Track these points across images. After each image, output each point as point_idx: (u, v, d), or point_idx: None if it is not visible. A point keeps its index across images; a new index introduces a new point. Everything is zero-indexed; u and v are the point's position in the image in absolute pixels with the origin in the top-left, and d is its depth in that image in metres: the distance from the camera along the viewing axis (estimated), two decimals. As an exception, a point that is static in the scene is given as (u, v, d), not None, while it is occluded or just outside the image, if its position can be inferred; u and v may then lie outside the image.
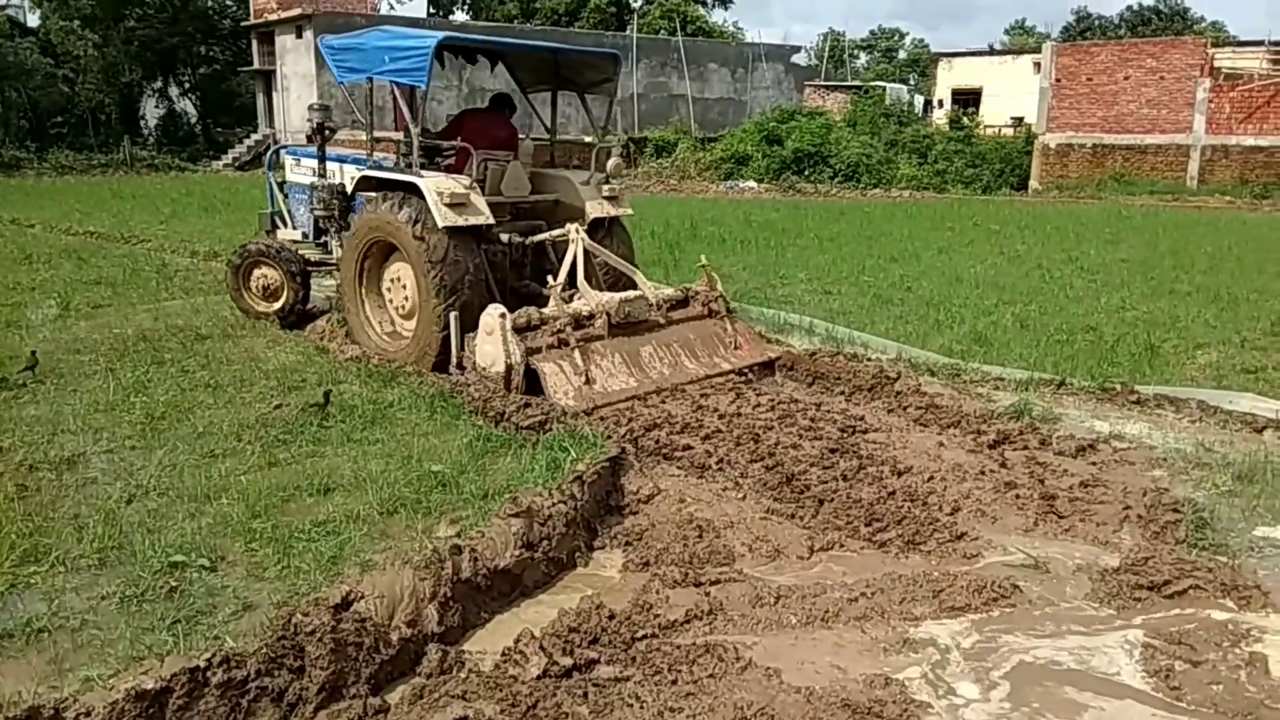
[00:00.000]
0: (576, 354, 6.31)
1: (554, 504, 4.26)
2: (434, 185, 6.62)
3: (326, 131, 8.49)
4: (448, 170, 7.34)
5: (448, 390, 6.13)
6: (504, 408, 5.75)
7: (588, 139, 8.19)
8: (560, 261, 7.17)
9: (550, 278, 6.86)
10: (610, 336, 6.56)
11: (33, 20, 41.69)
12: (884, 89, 36.13)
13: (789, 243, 14.16)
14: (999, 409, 6.21)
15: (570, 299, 6.72)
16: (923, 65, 57.47)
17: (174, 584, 3.52)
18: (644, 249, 12.98)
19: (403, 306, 7.09)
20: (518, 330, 6.24)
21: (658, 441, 5.54)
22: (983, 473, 5.16)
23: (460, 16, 50.36)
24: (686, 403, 6.27)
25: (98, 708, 2.70)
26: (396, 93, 7.34)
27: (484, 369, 6.26)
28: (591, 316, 6.58)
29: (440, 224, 6.52)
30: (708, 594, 3.76)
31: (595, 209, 7.57)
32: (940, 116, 34.73)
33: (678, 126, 34.48)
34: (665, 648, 3.36)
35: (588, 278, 7.01)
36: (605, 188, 7.74)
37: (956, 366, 7.03)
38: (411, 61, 6.78)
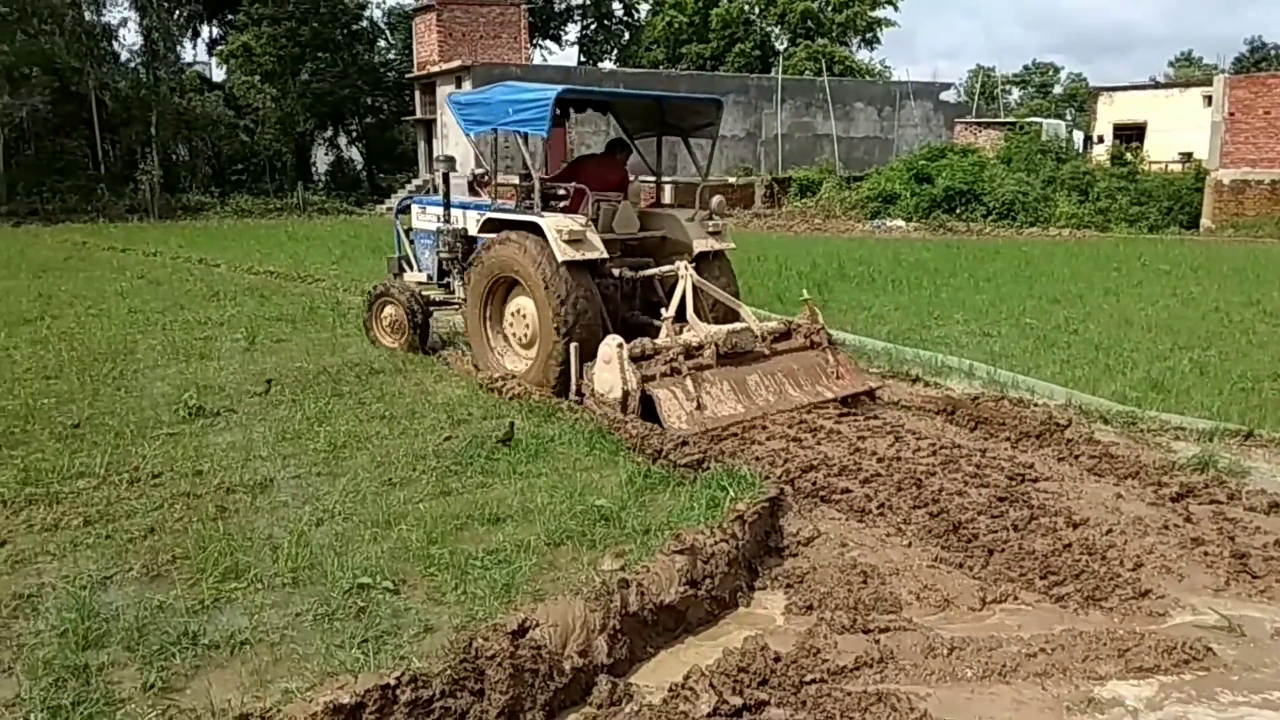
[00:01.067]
0: (688, 381, 6.70)
1: (716, 542, 4.27)
2: (554, 224, 7.17)
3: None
4: (564, 211, 7.82)
5: (605, 427, 6.25)
6: (661, 445, 5.81)
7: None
8: (667, 295, 7.69)
9: (663, 309, 7.40)
10: (719, 366, 6.93)
11: (218, 75, 45.39)
12: (1040, 124, 34.96)
13: (942, 283, 13.83)
14: (1181, 460, 5.88)
15: (680, 331, 7.18)
16: (1080, 100, 55.35)
17: (362, 604, 3.72)
18: (790, 288, 12.95)
19: (524, 337, 7.64)
20: (634, 359, 6.66)
21: (815, 484, 5.50)
22: (1166, 527, 4.89)
23: (608, 65, 51.78)
24: (843, 445, 6.20)
25: (299, 718, 2.87)
26: (519, 141, 7.90)
27: (601, 395, 6.63)
28: (701, 347, 6.97)
29: (560, 259, 7.05)
30: (877, 641, 3.69)
31: (700, 244, 7.99)
32: (1101, 152, 33.30)
33: (823, 166, 34.29)
34: (836, 694, 3.31)
35: (696, 310, 7.40)
36: (709, 224, 8.17)
37: (1132, 414, 6.70)
38: (533, 113, 7.40)
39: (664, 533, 4.41)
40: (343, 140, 45.21)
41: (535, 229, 7.31)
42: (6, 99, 30.99)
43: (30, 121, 32.51)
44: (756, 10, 50.14)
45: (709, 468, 5.36)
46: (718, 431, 6.41)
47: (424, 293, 9.03)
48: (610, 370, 6.58)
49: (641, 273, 7.97)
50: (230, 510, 4.79)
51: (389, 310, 9.01)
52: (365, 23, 44.31)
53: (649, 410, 6.52)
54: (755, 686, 3.34)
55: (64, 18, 33.66)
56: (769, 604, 4.23)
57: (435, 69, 35.79)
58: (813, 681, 3.40)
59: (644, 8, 54.03)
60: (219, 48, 45.14)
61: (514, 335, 7.76)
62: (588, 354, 6.86)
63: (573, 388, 6.95)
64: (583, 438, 6.05)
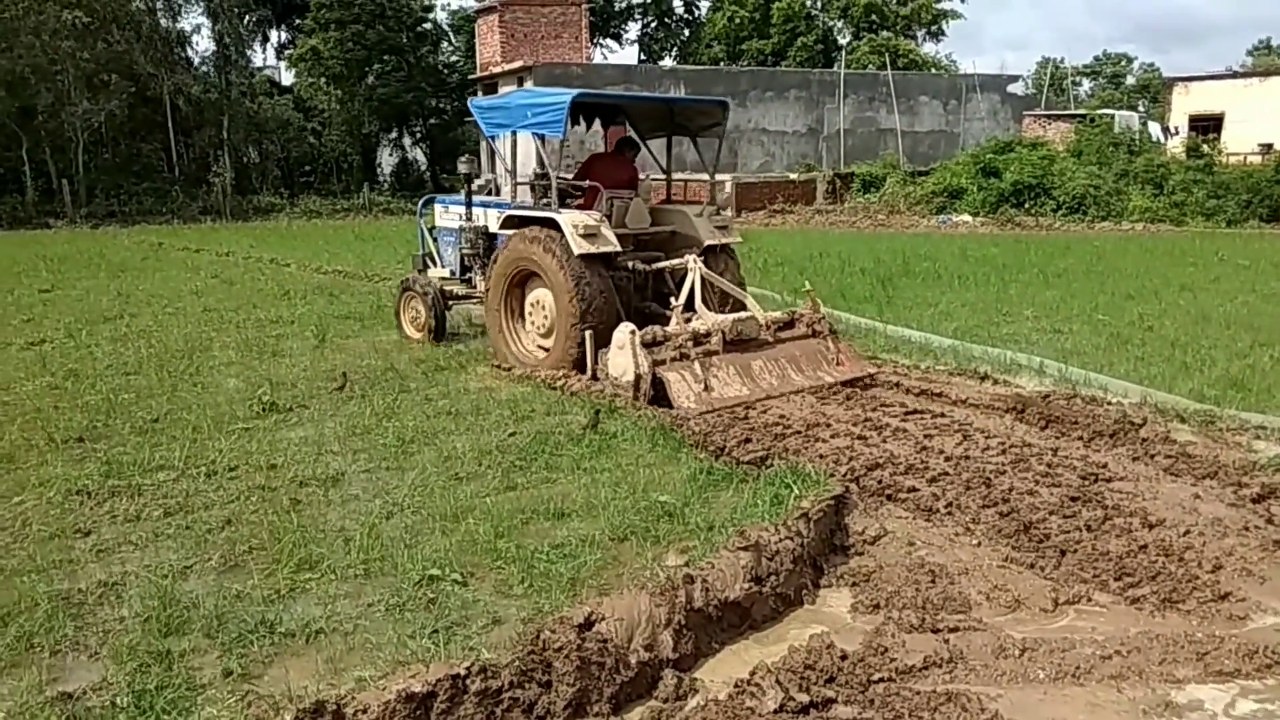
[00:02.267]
0: (696, 365, 7.14)
1: (781, 539, 4.26)
2: (570, 219, 7.62)
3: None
4: (579, 208, 8.24)
5: (668, 424, 6.26)
6: (724, 442, 5.82)
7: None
8: (677, 286, 8.08)
9: (672, 299, 7.84)
10: (725, 351, 7.36)
11: (287, 79, 46.40)
12: (1112, 116, 34.04)
13: (1011, 278, 13.55)
14: (1262, 460, 5.69)
15: (689, 319, 7.58)
16: (1154, 91, 53.80)
17: (431, 595, 3.79)
18: (853, 285, 12.83)
19: (542, 326, 8.05)
20: (645, 345, 7.07)
21: (880, 482, 5.44)
22: (1247, 529, 4.74)
23: (668, 62, 51.75)
24: (910, 443, 6.13)
25: (373, 706, 2.93)
26: (537, 142, 8.37)
27: (615, 379, 7.07)
28: (708, 334, 7.38)
29: (576, 252, 7.49)
30: (946, 641, 3.64)
31: (709, 238, 8.46)
32: (1176, 144, 32.30)
33: (886, 161, 33.82)
34: (904, 693, 3.28)
35: (704, 300, 7.87)
36: (715, 219, 8.65)
37: (1210, 413, 6.49)
38: (549, 115, 7.88)
39: (728, 529, 4.40)
40: (407, 141, 45.86)
41: (552, 225, 7.73)
42: (86, 104, 32.05)
43: (108, 126, 33.61)
44: (819, 4, 49.64)
45: (772, 465, 5.34)
46: (726, 411, 6.82)
47: (447, 287, 9.49)
48: (624, 355, 7.02)
49: (653, 265, 8.37)
50: (304, 503, 4.90)
51: (414, 304, 9.45)
52: (429, 25, 44.89)
53: (660, 392, 6.93)
54: (822, 684, 3.32)
55: (141, 25, 34.75)
56: (835, 602, 4.20)
57: (497, 70, 36.09)
58: (881, 680, 3.38)
59: (704, 5, 53.98)
60: (287, 52, 46.18)
61: (533, 325, 8.17)
62: (602, 341, 7.29)
63: (588, 372, 7.37)
64: (645, 434, 6.06)
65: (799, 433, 6.36)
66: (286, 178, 40.63)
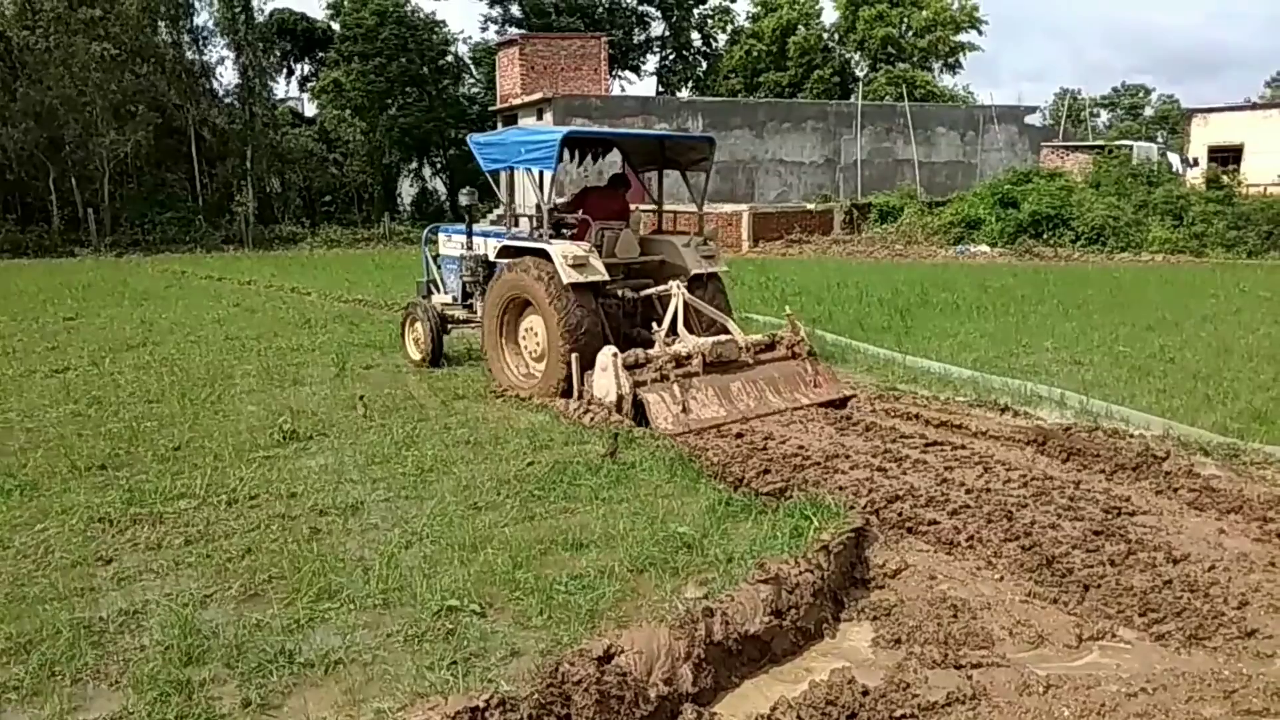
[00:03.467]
0: (675, 387, 7.40)
1: (801, 572, 4.23)
2: (560, 250, 7.96)
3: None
4: (571, 238, 8.59)
5: (686, 454, 6.26)
6: (743, 473, 5.83)
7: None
8: (664, 312, 8.36)
9: (655, 324, 8.19)
10: (705, 373, 7.63)
11: (310, 110, 47.01)
12: (1130, 147, 34.00)
13: (1030, 309, 13.50)
14: (1288, 494, 5.61)
15: (672, 343, 7.90)
16: (1173, 122, 53.75)
17: (450, 626, 3.78)
18: (871, 315, 12.82)
19: (535, 351, 8.37)
20: (627, 367, 7.39)
21: (901, 514, 5.40)
22: (1273, 564, 4.68)
23: (685, 94, 52.12)
24: (930, 475, 6.09)
25: (392, 738, 2.93)
26: (529, 177, 8.70)
27: (599, 399, 7.38)
28: (689, 357, 7.69)
29: (565, 281, 7.81)
30: (969, 677, 3.59)
31: (696, 267, 8.78)
32: (1195, 175, 32.19)
33: (903, 191, 33.85)
34: (926, 729, 3.24)
35: (688, 325, 8.22)
36: (702, 249, 8.98)
37: (1234, 446, 6.43)
38: (542, 152, 8.26)
39: (747, 561, 4.37)
40: (427, 171, 46.32)
41: (545, 255, 8.05)
42: (113, 135, 32.55)
43: (134, 156, 34.10)
44: (835, 37, 49.99)
45: (792, 496, 5.32)
46: (703, 431, 7.02)
47: (449, 313, 9.86)
48: (606, 376, 7.34)
49: (641, 292, 8.71)
50: (323, 532, 4.92)
51: (416, 327, 9.83)
52: (451, 58, 45.45)
53: (641, 412, 7.19)
54: (843, 720, 3.29)
55: (166, 57, 35.37)
56: (855, 636, 4.16)
57: (518, 101, 36.45)
58: (903, 717, 3.34)
59: (722, 38, 54.46)
60: (311, 84, 46.81)
61: (527, 350, 8.48)
62: (589, 364, 7.55)
63: (574, 392, 7.62)
64: (663, 464, 6.05)
65: (818, 464, 6.33)
66: (308, 207, 41.05)
